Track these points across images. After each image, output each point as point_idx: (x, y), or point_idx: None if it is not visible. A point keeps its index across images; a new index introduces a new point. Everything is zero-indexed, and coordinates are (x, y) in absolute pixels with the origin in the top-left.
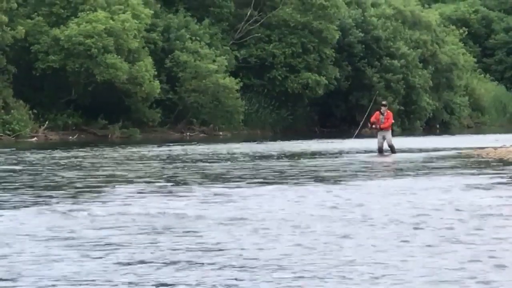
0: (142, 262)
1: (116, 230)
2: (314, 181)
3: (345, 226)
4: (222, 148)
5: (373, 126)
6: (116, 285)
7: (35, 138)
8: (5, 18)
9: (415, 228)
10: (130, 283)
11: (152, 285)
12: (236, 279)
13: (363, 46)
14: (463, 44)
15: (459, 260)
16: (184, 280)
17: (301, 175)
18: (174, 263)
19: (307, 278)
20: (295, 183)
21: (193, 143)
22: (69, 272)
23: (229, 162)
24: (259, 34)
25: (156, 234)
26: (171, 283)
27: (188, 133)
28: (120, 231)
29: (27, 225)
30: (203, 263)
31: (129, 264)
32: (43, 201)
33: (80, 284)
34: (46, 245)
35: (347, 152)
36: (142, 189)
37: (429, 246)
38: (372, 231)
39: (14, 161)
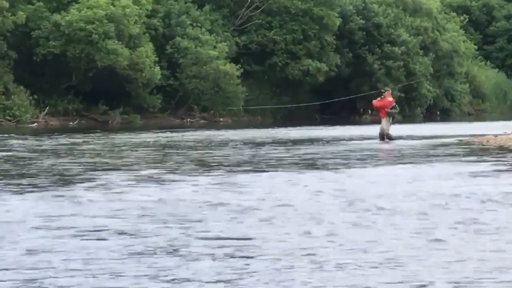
0: (150, 251)
1: (118, 218)
2: (312, 168)
3: (357, 215)
4: (222, 135)
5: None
6: (127, 276)
7: (36, 124)
8: (5, 4)
9: (420, 217)
10: (140, 275)
11: (164, 276)
12: (247, 268)
13: (364, 33)
14: (464, 31)
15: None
16: (195, 271)
17: (300, 162)
18: (182, 253)
19: (327, 269)
20: (300, 171)
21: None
22: (77, 263)
23: (229, 149)
24: (260, 21)
25: (162, 222)
26: (182, 274)
27: (188, 119)
28: (122, 219)
29: (20, 213)
30: (213, 253)
31: (139, 253)
32: (42, 188)
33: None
34: (46, 234)
35: (349, 140)
36: (141, 177)
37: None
38: (383, 219)
39: (17, 147)
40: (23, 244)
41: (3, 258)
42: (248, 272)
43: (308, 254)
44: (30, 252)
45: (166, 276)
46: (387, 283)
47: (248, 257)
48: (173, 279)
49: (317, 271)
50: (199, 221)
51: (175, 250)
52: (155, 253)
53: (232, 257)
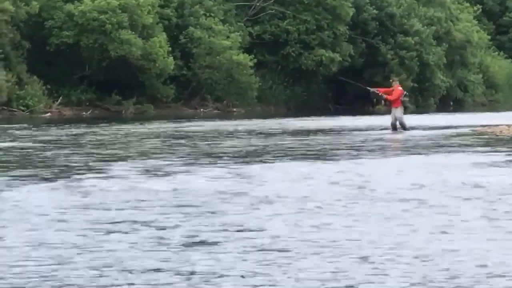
0: (169, 243)
1: (136, 209)
2: (326, 158)
3: (381, 206)
4: (238, 125)
5: (380, 94)
6: (146, 268)
7: (49, 114)
8: None
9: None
10: (159, 267)
11: (185, 268)
12: (269, 262)
13: (377, 23)
14: (477, 22)
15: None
16: (217, 263)
17: (314, 153)
18: (203, 244)
19: (361, 264)
20: (314, 161)
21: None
22: (95, 256)
23: (244, 139)
24: (273, 11)
25: (180, 213)
26: (203, 267)
27: (202, 109)
28: (139, 210)
29: (37, 203)
30: (234, 245)
31: (159, 245)
32: (55, 177)
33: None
34: (62, 226)
35: (361, 130)
36: (157, 166)
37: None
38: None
39: (37, 137)
40: (39, 236)
41: (17, 250)
42: (275, 265)
43: (335, 247)
44: (45, 245)
45: (188, 268)
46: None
47: (271, 250)
48: (195, 272)
49: (343, 263)
50: (217, 211)
51: (195, 241)
52: (175, 245)
53: (254, 249)
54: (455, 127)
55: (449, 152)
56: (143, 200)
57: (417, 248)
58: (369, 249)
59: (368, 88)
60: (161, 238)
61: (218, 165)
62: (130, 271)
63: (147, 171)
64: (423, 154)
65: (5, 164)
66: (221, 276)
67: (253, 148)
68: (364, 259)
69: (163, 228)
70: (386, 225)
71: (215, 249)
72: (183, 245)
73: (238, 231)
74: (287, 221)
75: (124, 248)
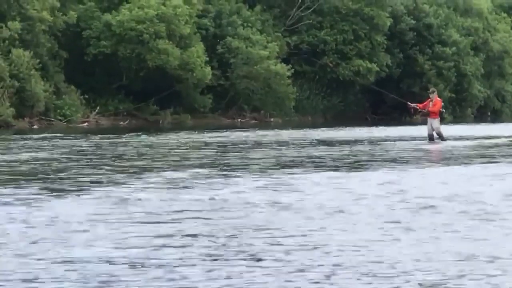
0: (217, 255)
1: (188, 220)
2: (365, 168)
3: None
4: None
5: (419, 110)
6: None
7: (86, 124)
8: (57, 3)
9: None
10: (209, 278)
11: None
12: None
13: (415, 33)
14: None
15: None
16: (267, 276)
17: (353, 163)
18: (251, 257)
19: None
20: (350, 170)
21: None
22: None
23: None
24: (311, 21)
25: (224, 224)
26: (255, 279)
27: (239, 119)
28: (181, 221)
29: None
30: (289, 260)
31: (207, 257)
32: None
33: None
34: (117, 231)
35: (395, 140)
36: (198, 175)
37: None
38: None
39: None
40: (89, 250)
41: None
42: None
43: (395, 262)
44: (94, 260)
45: (240, 280)
46: None
47: (332, 265)
48: (247, 282)
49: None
50: (264, 223)
51: (244, 254)
52: (224, 257)
53: (307, 264)
54: (493, 137)
55: (490, 162)
56: (182, 211)
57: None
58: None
59: (409, 103)
60: (210, 248)
61: (262, 174)
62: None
63: (188, 180)
64: (462, 164)
65: (51, 176)
66: None
67: (293, 158)
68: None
69: (212, 240)
70: (437, 235)
71: (263, 262)
72: (233, 256)
73: (290, 244)
74: (345, 235)
75: (178, 264)
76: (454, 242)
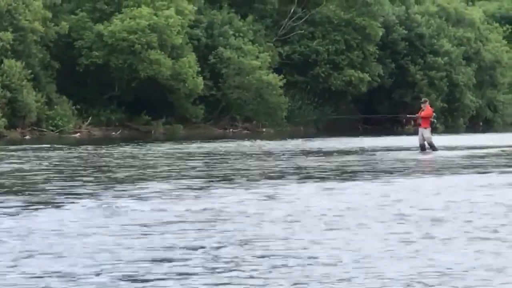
0: (224, 267)
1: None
2: (356, 178)
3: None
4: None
5: (413, 117)
6: None
7: (78, 134)
8: (49, 14)
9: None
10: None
11: None
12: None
13: (407, 43)
14: (506, 42)
15: None
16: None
17: (344, 173)
18: (256, 269)
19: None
20: (343, 181)
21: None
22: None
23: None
24: (303, 31)
25: (225, 237)
26: None
27: (231, 130)
28: (179, 234)
29: (72, 223)
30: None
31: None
32: (93, 197)
33: None
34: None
35: (388, 150)
36: (188, 186)
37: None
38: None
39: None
40: (89, 261)
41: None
42: None
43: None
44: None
45: None
46: None
47: (327, 277)
48: None
49: None
50: (254, 234)
51: (236, 265)
52: (230, 270)
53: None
54: (485, 147)
55: (481, 172)
56: (175, 222)
57: None
58: None
59: (403, 117)
60: (216, 261)
61: (254, 185)
62: None
63: (180, 191)
64: (454, 174)
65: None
66: None
67: (286, 168)
68: None
69: (217, 252)
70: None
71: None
72: (239, 269)
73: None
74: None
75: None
76: (450, 255)
